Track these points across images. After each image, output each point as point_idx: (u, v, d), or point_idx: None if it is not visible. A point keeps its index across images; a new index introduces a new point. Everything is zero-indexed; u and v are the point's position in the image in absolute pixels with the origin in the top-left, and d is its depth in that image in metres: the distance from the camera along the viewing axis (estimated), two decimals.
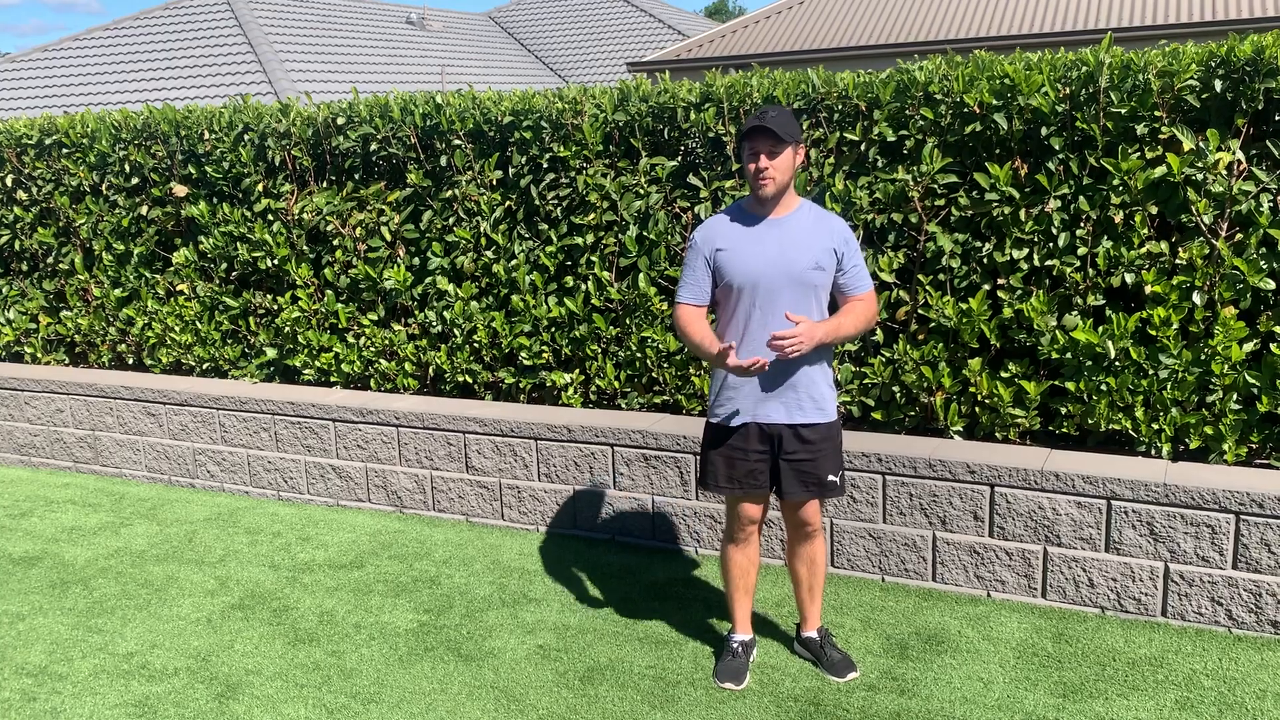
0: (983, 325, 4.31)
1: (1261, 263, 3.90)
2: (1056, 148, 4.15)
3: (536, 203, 5.16)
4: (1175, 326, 4.04)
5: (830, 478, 3.52)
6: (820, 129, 4.57)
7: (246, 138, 5.83)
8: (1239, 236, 3.95)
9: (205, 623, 4.25)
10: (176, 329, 6.18)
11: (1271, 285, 3.90)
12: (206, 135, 5.89)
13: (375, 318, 5.63)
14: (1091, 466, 4.04)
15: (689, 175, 4.82)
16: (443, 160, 5.32)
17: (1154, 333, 4.06)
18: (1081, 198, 4.11)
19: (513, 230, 5.27)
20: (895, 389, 4.53)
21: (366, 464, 5.43)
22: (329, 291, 5.71)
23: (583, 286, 5.10)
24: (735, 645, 3.73)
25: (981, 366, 4.36)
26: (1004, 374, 4.34)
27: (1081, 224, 4.16)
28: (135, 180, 6.18)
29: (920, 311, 4.44)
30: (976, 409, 4.44)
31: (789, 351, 3.26)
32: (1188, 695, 3.47)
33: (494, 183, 5.28)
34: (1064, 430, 4.32)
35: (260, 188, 5.81)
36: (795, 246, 3.39)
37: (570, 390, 5.23)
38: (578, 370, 5.24)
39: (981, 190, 4.31)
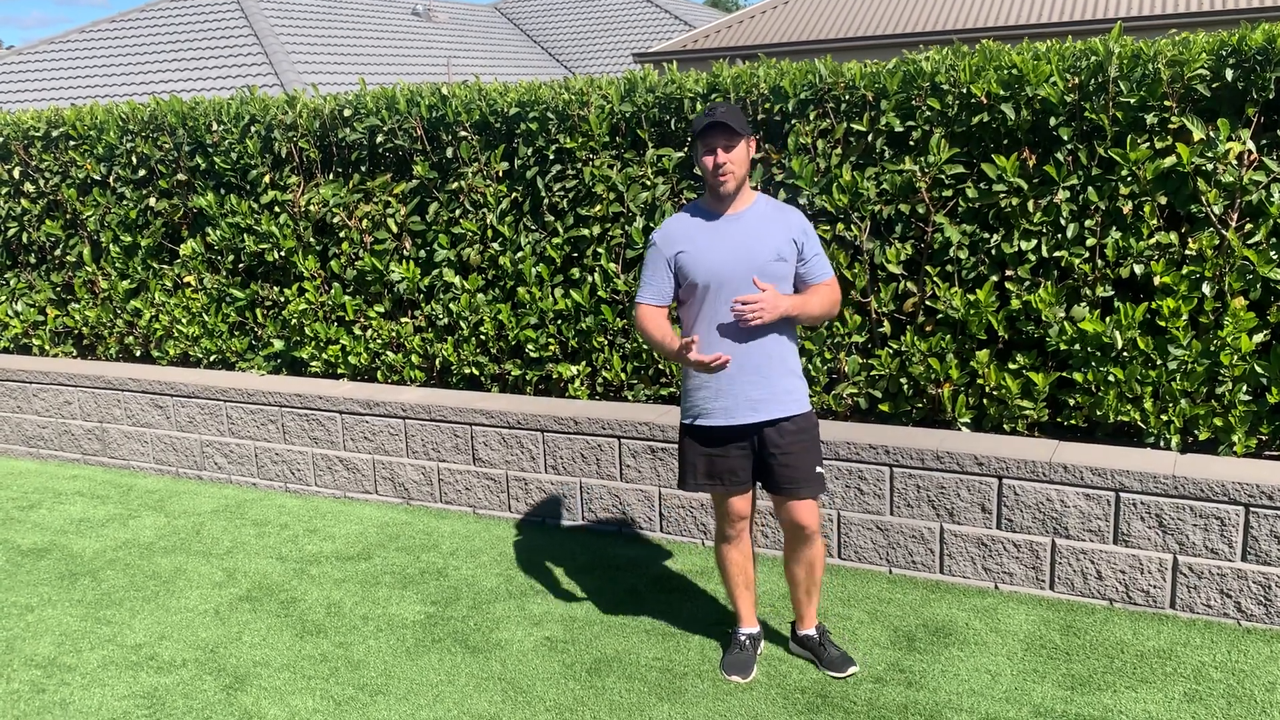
0: (990, 317, 4.29)
1: (1271, 253, 3.88)
2: (1065, 138, 4.12)
3: (543, 194, 5.15)
4: (1184, 317, 4.02)
5: (817, 469, 3.50)
6: (827, 119, 4.55)
7: (253, 129, 5.82)
8: (1249, 227, 3.93)
9: (213, 614, 4.26)
10: (184, 321, 6.19)
11: None
12: (214, 127, 5.89)
13: (382, 310, 5.63)
14: (1100, 458, 4.02)
15: (695, 166, 4.81)
16: (449, 152, 5.31)
17: (1163, 324, 4.05)
18: (1090, 188, 4.09)
19: (519, 222, 5.26)
20: (903, 381, 4.52)
21: (374, 456, 5.44)
22: (336, 284, 5.72)
23: (589, 278, 5.09)
24: (742, 638, 3.73)
25: (989, 358, 4.34)
26: (1012, 365, 4.33)
27: (1090, 215, 4.14)
28: (142, 172, 6.18)
29: (928, 303, 4.43)
30: (984, 401, 4.43)
31: (750, 318, 3.25)
32: (1196, 688, 3.46)
33: (500, 174, 5.27)
34: (1072, 422, 4.31)
35: (267, 179, 5.81)
36: (755, 240, 3.38)
37: (577, 382, 5.23)
38: (584, 362, 5.23)
39: (989, 181, 4.29)
